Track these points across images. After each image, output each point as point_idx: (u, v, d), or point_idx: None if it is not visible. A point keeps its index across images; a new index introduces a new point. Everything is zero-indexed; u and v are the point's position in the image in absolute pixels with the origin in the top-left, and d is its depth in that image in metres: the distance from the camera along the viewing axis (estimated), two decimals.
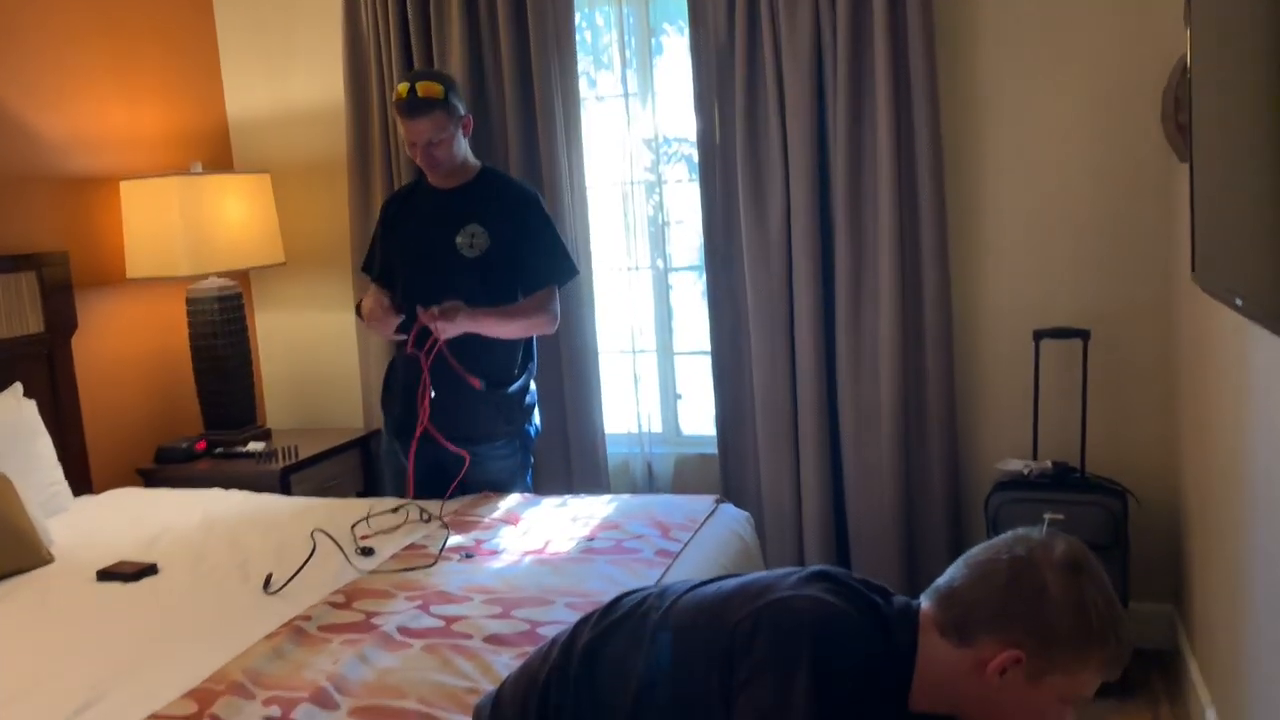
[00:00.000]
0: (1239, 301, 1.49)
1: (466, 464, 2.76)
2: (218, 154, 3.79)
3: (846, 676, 1.26)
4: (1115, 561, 2.80)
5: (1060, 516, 2.78)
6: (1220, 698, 2.42)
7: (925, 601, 1.37)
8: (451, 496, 2.79)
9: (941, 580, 1.37)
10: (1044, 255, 3.12)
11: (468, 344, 2.72)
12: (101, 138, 3.37)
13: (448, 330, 2.67)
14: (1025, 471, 2.98)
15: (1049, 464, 2.98)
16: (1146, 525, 3.04)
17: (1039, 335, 3.03)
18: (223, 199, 3.38)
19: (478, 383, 2.75)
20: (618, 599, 1.51)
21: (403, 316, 2.76)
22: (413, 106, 2.67)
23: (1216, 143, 1.70)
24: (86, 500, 3.02)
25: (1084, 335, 2.99)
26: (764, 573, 1.45)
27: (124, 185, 3.33)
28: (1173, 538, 3.05)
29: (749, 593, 1.36)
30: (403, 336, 2.77)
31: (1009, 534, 1.36)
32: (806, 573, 1.38)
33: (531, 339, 2.91)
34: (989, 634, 1.29)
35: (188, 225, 3.28)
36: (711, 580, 1.47)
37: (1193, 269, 1.90)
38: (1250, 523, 2.02)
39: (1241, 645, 2.13)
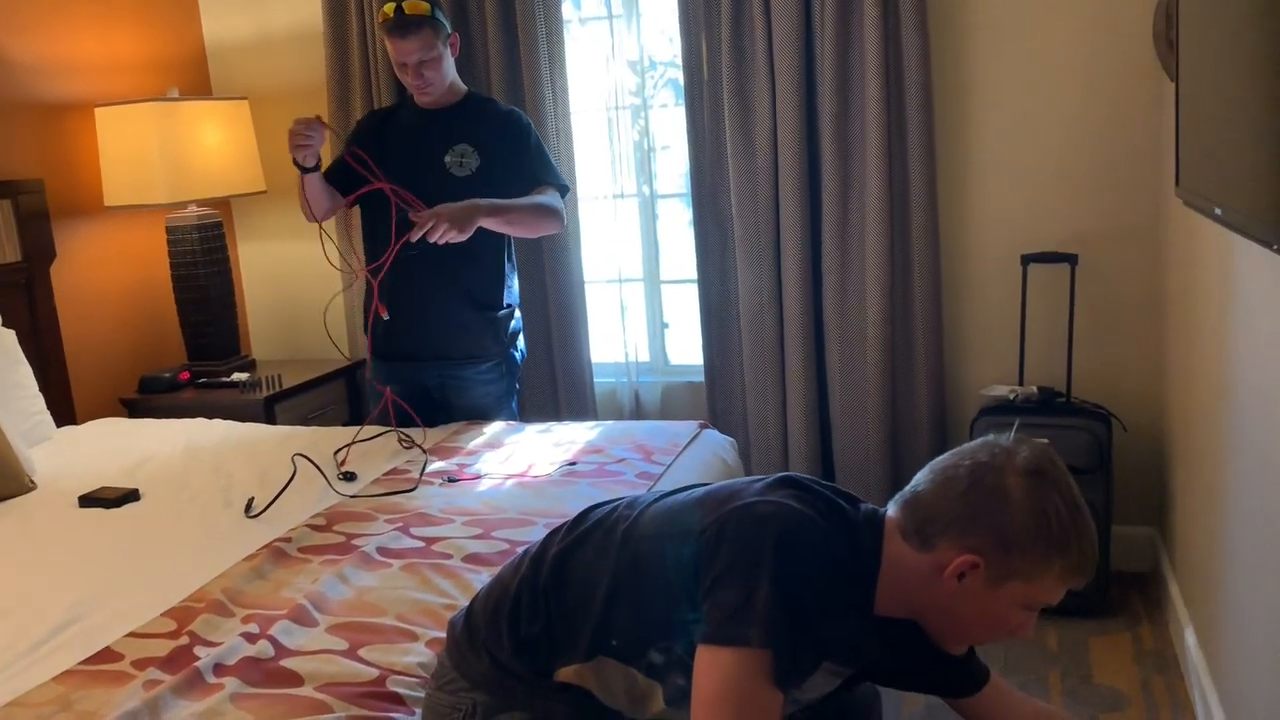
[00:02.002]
0: (1218, 211, 1.47)
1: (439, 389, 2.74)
2: (195, 80, 3.72)
3: (810, 579, 1.25)
4: (1099, 485, 2.81)
5: (1045, 440, 2.77)
6: (1198, 617, 2.44)
7: (891, 508, 1.37)
8: (431, 419, 2.79)
9: (907, 486, 1.36)
10: (1033, 179, 3.08)
11: (446, 260, 2.68)
12: (76, 63, 3.30)
13: (455, 232, 2.52)
14: (1011, 397, 2.97)
15: (1034, 389, 2.98)
16: (1131, 449, 3.04)
17: (1027, 260, 3.01)
18: (200, 126, 3.32)
19: (384, 311, 2.68)
20: (587, 511, 1.51)
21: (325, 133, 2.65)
22: (401, 25, 2.61)
23: (1201, 56, 1.67)
24: (69, 430, 3.02)
25: (1071, 260, 2.97)
26: (731, 480, 1.45)
27: (99, 112, 3.27)
28: (1156, 462, 3.06)
29: (715, 499, 1.36)
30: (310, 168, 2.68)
31: (977, 441, 1.34)
32: (773, 479, 1.38)
33: (511, 258, 2.87)
34: (949, 539, 1.28)
35: (165, 152, 3.23)
36: (680, 490, 1.47)
37: (1177, 183, 1.87)
38: (1231, 444, 2.02)
39: (1219, 567, 2.15)
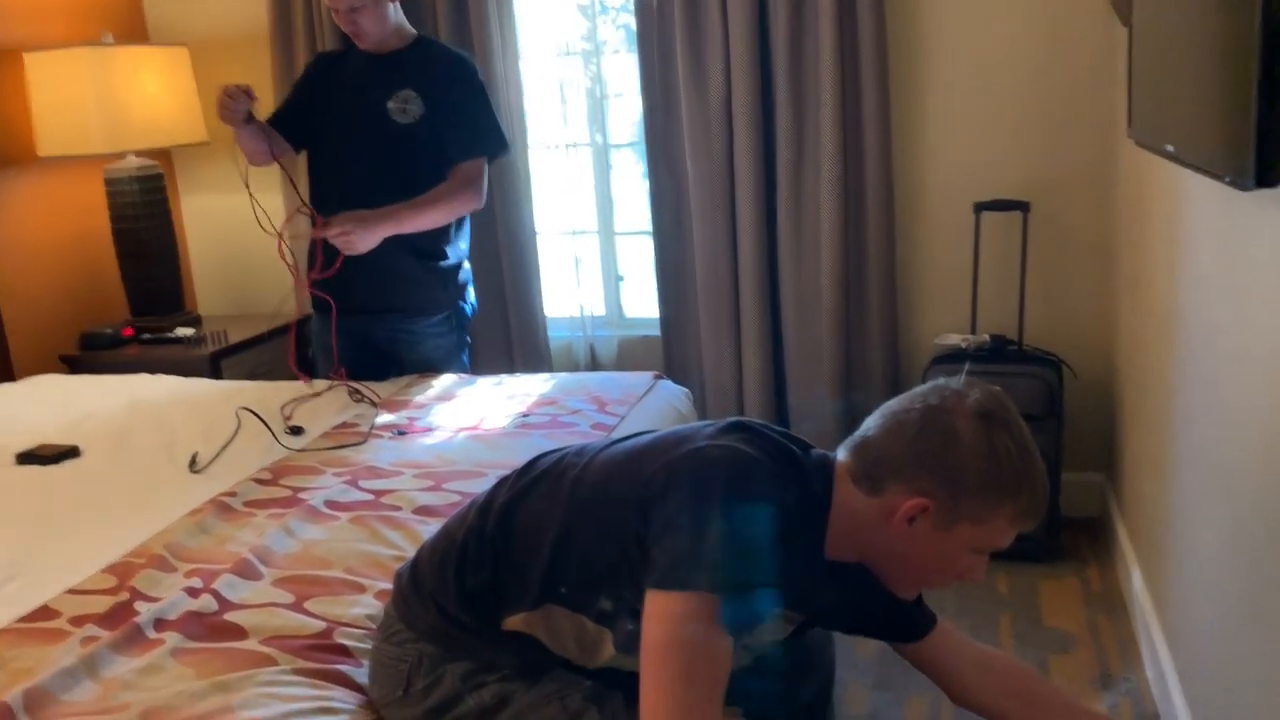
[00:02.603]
0: (1170, 148, 1.46)
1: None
2: (130, 24, 3.59)
3: (760, 522, 1.24)
4: (1050, 432, 2.83)
5: (996, 388, 2.79)
6: (1145, 560, 2.48)
7: (841, 453, 1.35)
8: (382, 374, 2.74)
9: (858, 431, 1.35)
10: (986, 127, 3.07)
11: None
12: (1, 5, 3.16)
13: (361, 245, 2.51)
14: (963, 345, 2.98)
15: (987, 337, 2.99)
16: (1081, 396, 3.07)
17: (980, 208, 3.00)
18: (137, 73, 3.21)
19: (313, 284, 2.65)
20: (535, 459, 1.48)
21: (250, 124, 2.58)
22: None
23: None
24: (6, 388, 2.93)
25: (1024, 207, 2.97)
26: (682, 425, 1.43)
27: (28, 57, 3.14)
28: (1106, 408, 3.09)
29: (664, 445, 1.34)
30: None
31: (927, 384, 1.33)
32: (723, 424, 1.36)
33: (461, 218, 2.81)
34: (898, 482, 1.27)
35: (100, 100, 3.12)
36: (630, 436, 1.44)
37: (1129, 123, 1.87)
38: (1178, 387, 2.03)
39: (1166, 509, 2.17)
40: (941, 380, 1.33)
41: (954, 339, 3.01)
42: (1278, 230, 1.31)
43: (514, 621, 1.37)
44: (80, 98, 3.10)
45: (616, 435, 2.24)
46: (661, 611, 1.22)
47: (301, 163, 2.91)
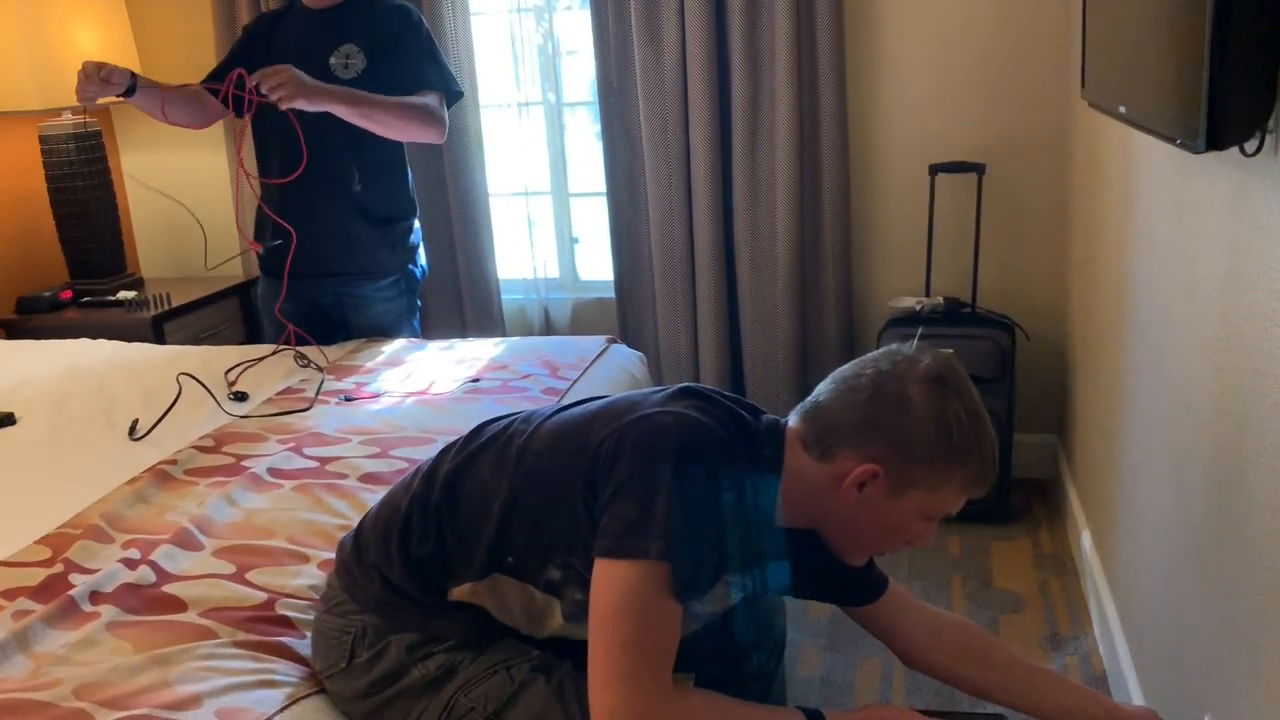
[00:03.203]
0: (1122, 109, 1.45)
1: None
2: None
3: (710, 490, 1.22)
4: (1002, 395, 2.85)
5: (949, 351, 2.79)
6: (1094, 521, 2.50)
7: (793, 419, 1.34)
8: (330, 338, 2.69)
9: (809, 397, 1.33)
10: (941, 89, 3.05)
11: (337, 172, 2.56)
12: None
13: (292, 97, 2.29)
14: (917, 308, 2.98)
15: (940, 300, 2.99)
16: (1034, 359, 3.09)
17: (935, 170, 2.99)
18: (72, 23, 3.09)
19: (257, 247, 2.57)
20: (481, 426, 1.45)
21: (123, 86, 2.39)
22: None
23: None
24: None
25: (979, 169, 2.96)
26: (631, 392, 1.40)
27: None
28: (1058, 370, 3.11)
29: (614, 411, 1.31)
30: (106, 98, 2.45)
31: (879, 350, 1.32)
32: (673, 389, 1.33)
33: (409, 179, 2.74)
34: (849, 448, 1.26)
35: (33, 53, 3.00)
36: (578, 403, 1.41)
37: (1083, 85, 1.85)
38: (1129, 348, 2.04)
39: (1116, 470, 2.19)
40: (894, 346, 1.31)
41: (908, 302, 3.01)
42: (1227, 194, 1.30)
43: (460, 592, 1.35)
44: (11, 50, 2.99)
45: (567, 400, 2.22)
46: (610, 580, 1.20)
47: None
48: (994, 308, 3.05)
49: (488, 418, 1.49)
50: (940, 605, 2.56)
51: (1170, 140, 1.20)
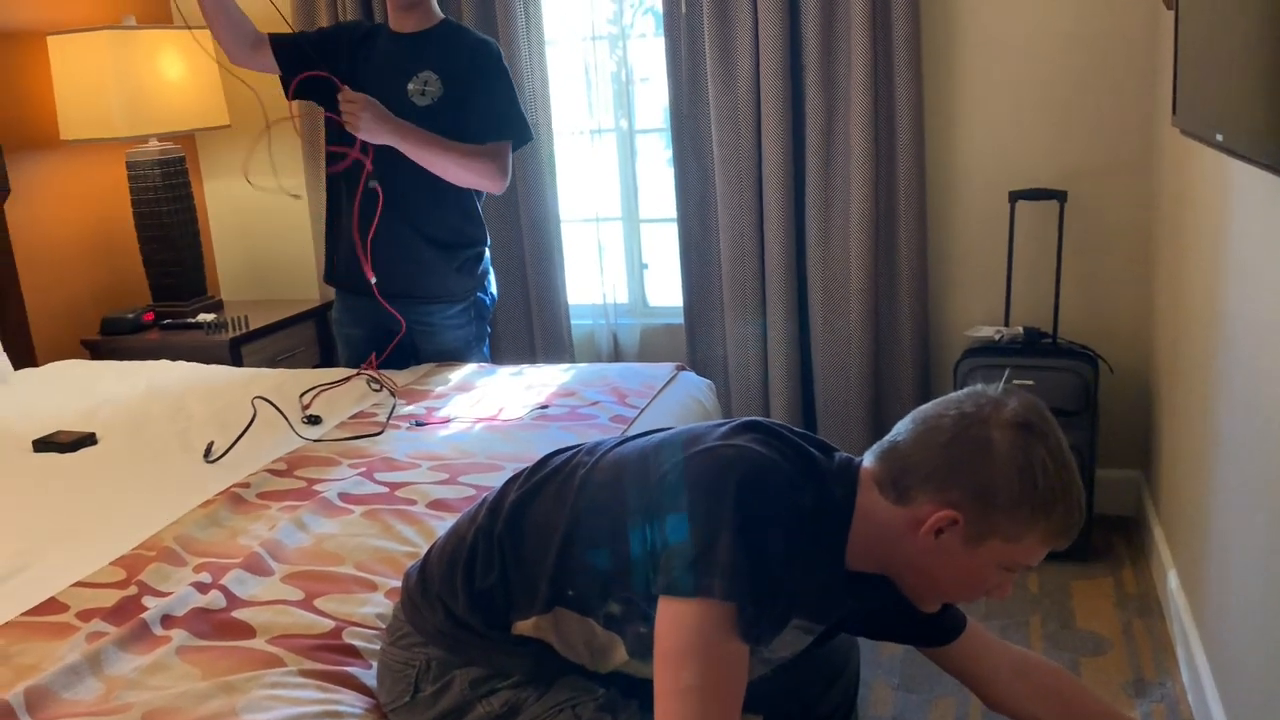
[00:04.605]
0: (1219, 137, 1.39)
1: (403, 329, 2.67)
2: (152, 6, 3.56)
3: (774, 527, 1.18)
4: (1084, 428, 2.76)
5: (1030, 382, 2.72)
6: (1182, 561, 2.40)
7: (868, 459, 1.29)
8: (401, 363, 2.71)
9: (887, 436, 1.29)
10: (1022, 114, 2.98)
11: (409, 196, 2.58)
12: None
13: (362, 127, 2.43)
14: (996, 338, 2.91)
15: (1020, 330, 2.91)
16: (1117, 392, 2.99)
17: (1015, 197, 2.92)
18: (160, 56, 3.18)
19: (370, 274, 2.62)
20: (547, 457, 1.43)
21: None
22: None
23: None
24: (28, 373, 2.92)
25: (1060, 197, 2.88)
26: (694, 425, 1.37)
27: (51, 40, 3.12)
28: (1143, 404, 3.01)
29: (676, 444, 1.28)
30: None
31: (964, 390, 1.26)
32: (737, 423, 1.30)
33: (479, 206, 2.76)
34: (927, 492, 1.21)
35: (123, 84, 3.09)
36: (641, 435, 1.39)
37: (1174, 111, 1.79)
38: (1221, 383, 1.95)
39: (1205, 509, 2.10)
40: (979, 386, 1.26)
41: (986, 331, 2.93)
42: None
43: (524, 625, 1.33)
44: (102, 81, 3.08)
45: (634, 429, 2.20)
46: (673, 618, 1.17)
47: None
48: (1075, 338, 2.96)
49: (555, 447, 1.47)
50: (1018, 645, 2.48)
51: (1272, 170, 1.14)
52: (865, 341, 3.09)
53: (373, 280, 2.62)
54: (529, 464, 1.44)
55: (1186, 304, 2.36)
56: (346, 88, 2.46)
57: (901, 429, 1.27)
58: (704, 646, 1.15)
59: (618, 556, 1.25)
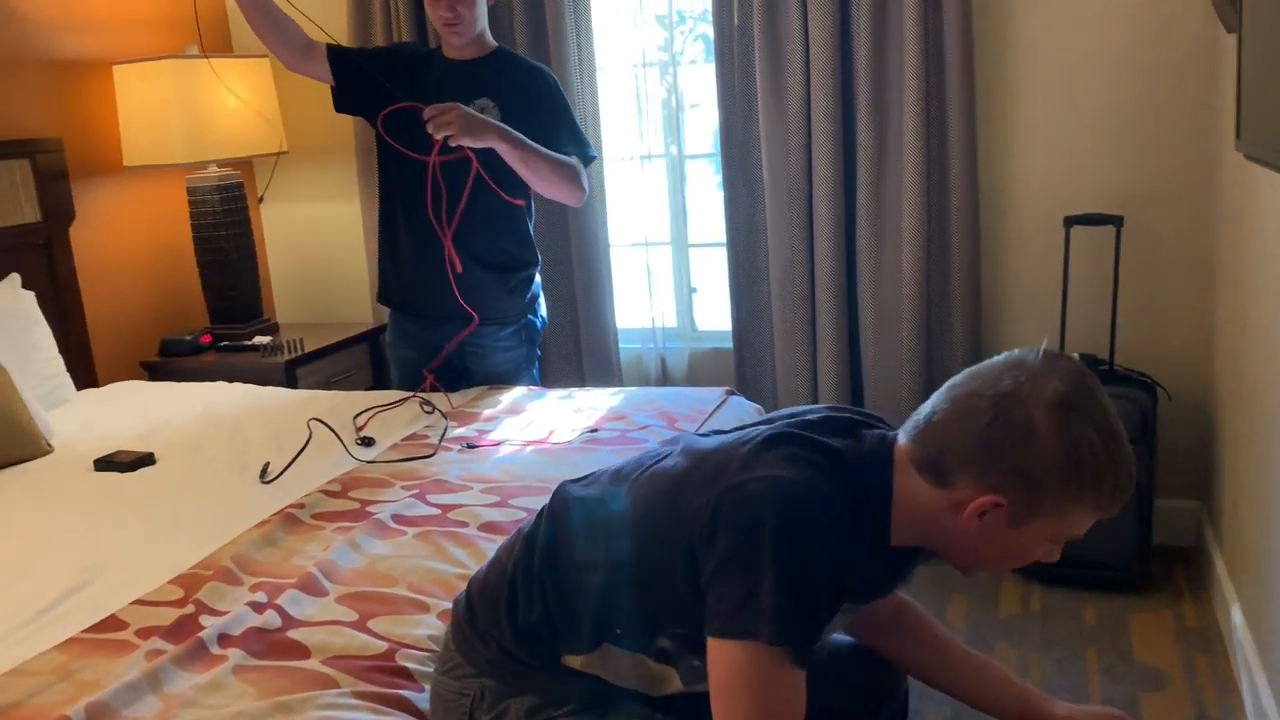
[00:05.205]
0: None
1: (475, 321, 2.67)
2: (215, 37, 3.65)
3: (815, 554, 1.15)
4: (1142, 457, 2.70)
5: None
6: (1246, 595, 2.34)
7: (902, 436, 1.24)
8: (452, 385, 2.73)
9: (921, 411, 1.23)
10: (1077, 137, 2.95)
11: (462, 219, 2.61)
12: (93, 19, 3.24)
13: (458, 130, 2.40)
14: None
15: (1076, 356, 2.86)
16: (1176, 420, 2.93)
17: (1070, 222, 2.88)
18: (220, 84, 3.25)
19: (459, 265, 2.60)
20: (563, 485, 1.41)
21: None
22: None
23: (1270, 3, 1.55)
24: (89, 393, 2.98)
25: (1117, 222, 2.84)
26: (714, 443, 1.30)
27: (117, 69, 3.21)
28: (1203, 433, 2.94)
29: (702, 476, 1.24)
30: None
31: (1000, 360, 1.19)
32: (761, 438, 1.24)
33: (530, 219, 2.78)
34: (969, 476, 1.16)
35: (185, 111, 3.16)
36: (657, 458, 1.34)
37: (1237, 135, 1.75)
38: None
39: (1271, 542, 2.04)
40: (1016, 355, 1.18)
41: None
42: None
43: (573, 660, 1.32)
44: (165, 108, 3.15)
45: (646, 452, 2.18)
46: (725, 659, 1.16)
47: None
48: (1133, 366, 2.91)
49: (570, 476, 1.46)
50: (1075, 678, 2.43)
51: None
52: (917, 368, 3.06)
53: (460, 269, 2.61)
54: (551, 496, 1.41)
55: (1250, 331, 2.31)
56: (434, 106, 2.43)
57: (938, 406, 1.20)
58: (759, 683, 1.14)
59: (662, 595, 1.23)
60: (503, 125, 2.49)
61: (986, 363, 1.20)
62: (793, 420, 1.29)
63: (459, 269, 2.60)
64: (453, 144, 2.43)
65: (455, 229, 2.61)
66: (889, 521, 1.23)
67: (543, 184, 2.60)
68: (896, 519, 1.23)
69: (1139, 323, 2.96)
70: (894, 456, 1.23)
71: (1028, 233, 3.04)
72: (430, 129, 2.41)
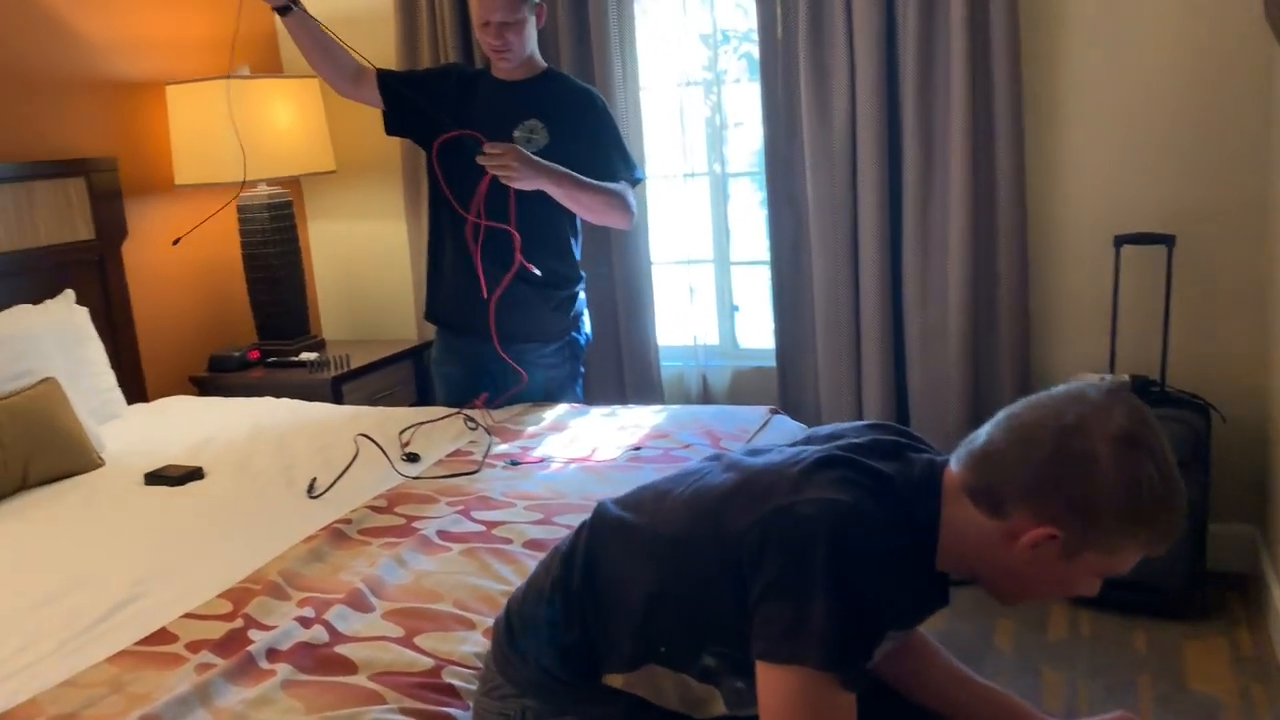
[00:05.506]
0: None
1: (524, 381, 2.71)
2: (266, 58, 3.71)
3: (865, 580, 1.14)
4: (1195, 480, 2.65)
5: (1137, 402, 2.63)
6: None
7: (955, 462, 1.23)
8: (500, 405, 2.74)
9: (977, 438, 1.21)
10: (1128, 155, 2.91)
11: (508, 236, 2.62)
12: (147, 41, 3.31)
13: (518, 179, 2.48)
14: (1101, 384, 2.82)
15: (1127, 377, 2.82)
16: (1230, 443, 2.87)
17: (1120, 241, 2.84)
18: (271, 104, 3.31)
19: (532, 267, 2.62)
20: (602, 505, 1.40)
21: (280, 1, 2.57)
22: None
23: None
24: (140, 408, 3.03)
25: (1169, 241, 2.80)
26: (761, 462, 1.29)
27: (170, 90, 3.27)
28: (1258, 456, 2.88)
29: (750, 495, 1.23)
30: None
31: (1060, 391, 1.18)
32: (810, 459, 1.23)
33: (576, 238, 2.79)
34: (1025, 507, 1.15)
35: (235, 130, 3.21)
36: (700, 474, 1.33)
37: None
38: None
39: None
40: (1076, 388, 1.18)
41: (1091, 378, 2.85)
42: None
43: (614, 680, 1.31)
44: (216, 128, 3.21)
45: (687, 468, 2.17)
46: (774, 683, 1.14)
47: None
48: (1186, 387, 2.86)
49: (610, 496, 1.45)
50: (1127, 706, 2.38)
51: None
52: (964, 387, 3.02)
53: (537, 272, 2.64)
54: (591, 514, 1.40)
55: None
56: (490, 145, 2.48)
57: (995, 434, 1.19)
58: (810, 708, 1.13)
59: (707, 612, 1.22)
60: (555, 167, 2.54)
61: (1046, 394, 1.20)
62: (841, 443, 1.28)
63: (504, 286, 2.62)
64: (508, 184, 2.48)
65: (500, 243, 2.62)
66: (936, 548, 1.23)
67: (592, 216, 2.67)
68: (944, 546, 1.22)
69: (1191, 343, 2.91)
70: (944, 483, 1.22)
71: (1077, 252, 3.01)
72: (486, 166, 2.45)
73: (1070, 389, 1.18)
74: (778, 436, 2.53)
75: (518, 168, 2.46)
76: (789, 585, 1.14)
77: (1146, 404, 2.79)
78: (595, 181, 2.61)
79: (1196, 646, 2.62)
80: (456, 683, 1.50)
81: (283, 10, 2.60)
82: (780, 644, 1.13)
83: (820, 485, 1.19)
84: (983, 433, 1.21)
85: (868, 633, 1.16)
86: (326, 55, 2.70)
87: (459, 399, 2.79)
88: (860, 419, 3.17)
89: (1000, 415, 1.21)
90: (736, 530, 1.20)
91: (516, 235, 2.58)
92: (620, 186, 2.66)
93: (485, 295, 2.63)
